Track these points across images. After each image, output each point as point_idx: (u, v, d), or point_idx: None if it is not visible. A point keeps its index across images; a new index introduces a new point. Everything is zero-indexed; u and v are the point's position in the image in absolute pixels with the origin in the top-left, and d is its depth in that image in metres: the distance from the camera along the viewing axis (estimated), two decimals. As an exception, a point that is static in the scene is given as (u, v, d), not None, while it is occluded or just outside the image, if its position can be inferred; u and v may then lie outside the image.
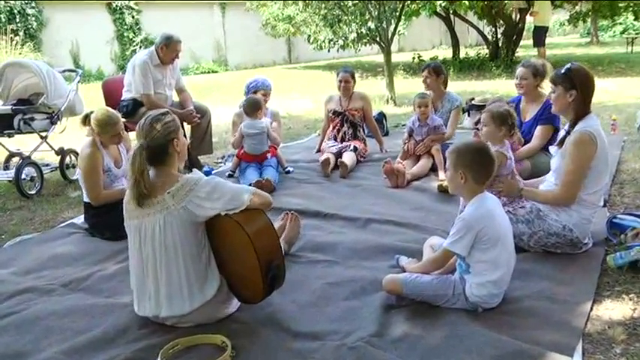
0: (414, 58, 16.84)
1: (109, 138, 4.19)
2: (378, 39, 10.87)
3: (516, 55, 16.65)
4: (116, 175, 4.28)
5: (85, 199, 4.28)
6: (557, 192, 3.42)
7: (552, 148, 3.65)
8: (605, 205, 4.20)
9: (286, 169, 5.74)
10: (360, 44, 12.49)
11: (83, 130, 4.27)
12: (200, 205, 2.69)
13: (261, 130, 5.45)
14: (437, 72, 5.83)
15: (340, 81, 6.19)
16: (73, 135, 6.48)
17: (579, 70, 3.45)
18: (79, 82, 6.10)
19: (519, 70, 4.92)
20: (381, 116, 7.72)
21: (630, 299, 2.91)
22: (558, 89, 3.46)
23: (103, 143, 4.21)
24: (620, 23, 25.98)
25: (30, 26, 16.08)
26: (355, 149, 5.96)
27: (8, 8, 15.61)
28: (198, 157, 6.26)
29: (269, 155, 5.52)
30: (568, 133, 3.46)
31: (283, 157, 5.86)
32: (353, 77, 6.26)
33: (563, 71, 3.45)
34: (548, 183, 3.58)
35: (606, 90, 10.47)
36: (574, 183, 3.36)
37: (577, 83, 3.40)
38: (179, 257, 2.72)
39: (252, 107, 5.50)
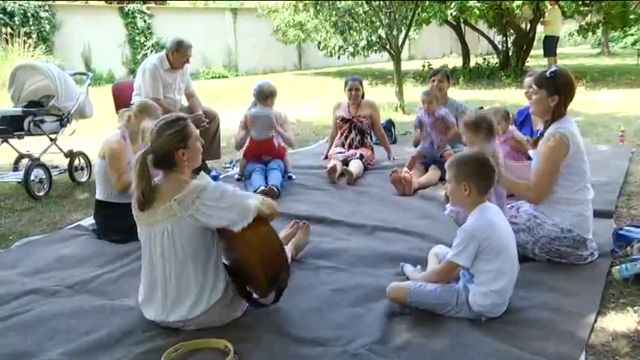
0: (424, 66, 16.82)
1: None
2: (388, 46, 10.89)
3: (526, 64, 16.57)
4: None
5: (98, 196, 4.28)
6: (529, 189, 3.45)
7: (530, 151, 3.67)
8: (611, 217, 4.21)
9: (288, 175, 5.71)
10: (370, 51, 12.48)
11: (117, 121, 4.35)
12: (208, 214, 2.68)
13: (267, 113, 5.48)
14: (448, 77, 5.92)
15: (350, 89, 6.21)
16: (82, 137, 6.54)
17: (564, 75, 3.45)
18: (89, 85, 6.15)
19: (527, 79, 5.07)
20: (390, 124, 7.73)
21: (635, 312, 2.89)
22: (541, 92, 3.45)
23: (131, 137, 4.21)
24: (632, 34, 25.82)
25: (43, 29, 16.18)
26: (361, 157, 5.95)
27: (22, 11, 15.75)
28: (207, 162, 6.28)
29: (276, 143, 5.55)
30: (541, 134, 3.49)
31: (290, 162, 5.86)
32: (361, 85, 6.30)
33: (548, 75, 3.44)
34: None
35: (616, 101, 10.43)
36: (544, 183, 3.38)
37: (561, 89, 3.41)
38: (188, 264, 2.74)
39: (261, 94, 5.57)
